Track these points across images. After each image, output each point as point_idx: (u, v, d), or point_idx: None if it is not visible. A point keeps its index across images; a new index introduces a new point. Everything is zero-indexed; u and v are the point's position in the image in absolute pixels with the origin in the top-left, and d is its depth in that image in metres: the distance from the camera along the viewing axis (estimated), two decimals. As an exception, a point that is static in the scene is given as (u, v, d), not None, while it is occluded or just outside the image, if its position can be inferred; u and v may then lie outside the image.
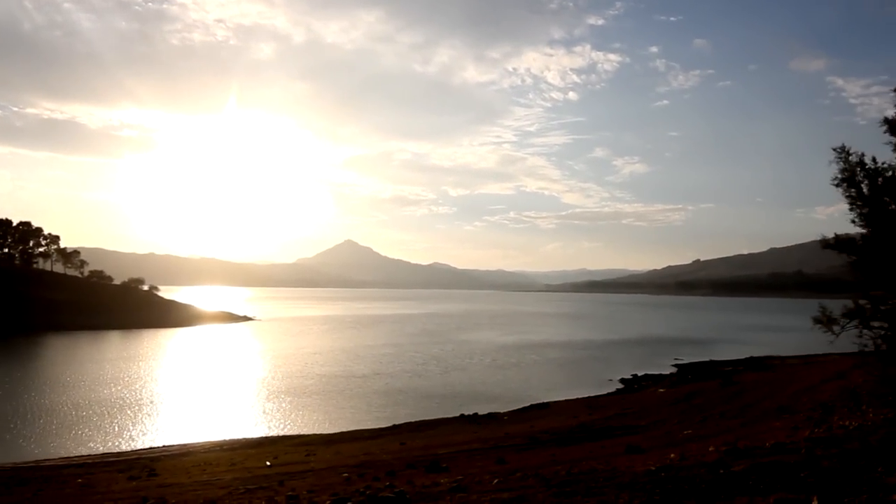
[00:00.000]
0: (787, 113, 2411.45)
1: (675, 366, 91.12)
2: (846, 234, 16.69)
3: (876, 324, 15.70)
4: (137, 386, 74.06)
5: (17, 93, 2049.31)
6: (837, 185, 15.92)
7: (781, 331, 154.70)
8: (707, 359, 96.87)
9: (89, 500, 22.62)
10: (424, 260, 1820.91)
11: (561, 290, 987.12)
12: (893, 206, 15.50)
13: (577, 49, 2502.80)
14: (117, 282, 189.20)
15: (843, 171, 15.84)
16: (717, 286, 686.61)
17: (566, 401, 61.95)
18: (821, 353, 68.94)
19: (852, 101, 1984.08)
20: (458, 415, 55.05)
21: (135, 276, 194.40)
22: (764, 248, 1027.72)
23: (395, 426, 50.10)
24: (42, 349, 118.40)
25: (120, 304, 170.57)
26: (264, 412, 61.23)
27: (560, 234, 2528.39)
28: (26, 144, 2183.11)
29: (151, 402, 64.64)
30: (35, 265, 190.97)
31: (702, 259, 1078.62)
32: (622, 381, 78.32)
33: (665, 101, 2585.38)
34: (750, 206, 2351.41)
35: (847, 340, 16.60)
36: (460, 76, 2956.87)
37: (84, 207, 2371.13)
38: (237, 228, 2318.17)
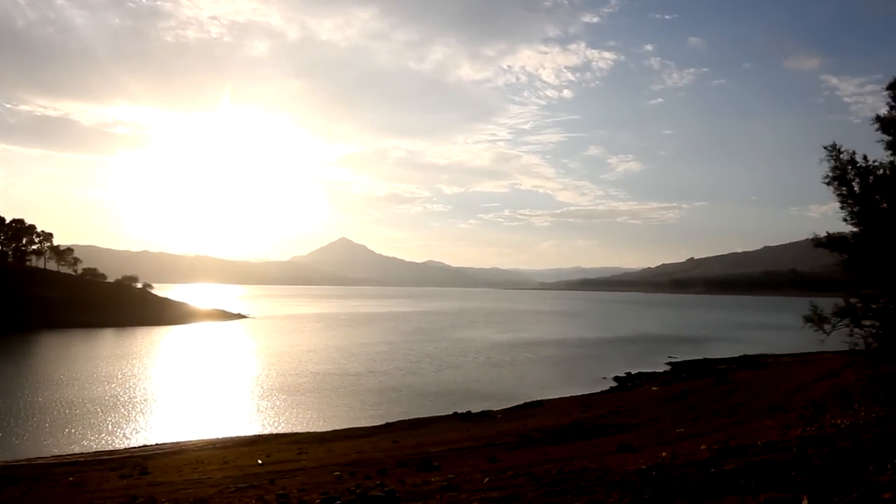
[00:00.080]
0: (782, 111, 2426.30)
1: (669, 364, 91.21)
2: (838, 233, 16.66)
3: (867, 322, 15.68)
4: (131, 384, 73.82)
5: (10, 89, 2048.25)
6: (828, 184, 15.89)
7: (775, 329, 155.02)
8: (701, 357, 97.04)
9: (79, 499, 22.49)
10: (419, 258, 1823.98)
11: (555, 288, 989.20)
12: (885, 205, 15.49)
13: (572, 47, 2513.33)
14: (111, 279, 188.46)
15: (834, 169, 15.81)
16: (711, 284, 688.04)
17: (560, 399, 62.01)
18: (814, 351, 69.03)
19: (846, 99, 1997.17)
20: (451, 413, 55.08)
21: (128, 273, 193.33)
22: (758, 247, 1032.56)
23: (388, 424, 50.11)
24: (35, 347, 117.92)
25: (113, 301, 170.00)
26: (258, 410, 61.09)
27: (554, 232, 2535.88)
28: (19, 141, 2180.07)
29: (145, 400, 64.44)
30: (28, 263, 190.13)
31: (696, 257, 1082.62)
32: (616, 379, 78.36)
33: (660, 100, 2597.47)
34: (744, 204, 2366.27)
35: (840, 339, 16.59)
36: (455, 74, 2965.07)
37: (77, 205, 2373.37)
38: (231, 226, 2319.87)
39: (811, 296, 25.59)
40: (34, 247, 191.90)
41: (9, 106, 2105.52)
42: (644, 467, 14.89)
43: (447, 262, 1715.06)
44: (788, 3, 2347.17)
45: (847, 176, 15.74)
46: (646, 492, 11.85)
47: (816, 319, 16.28)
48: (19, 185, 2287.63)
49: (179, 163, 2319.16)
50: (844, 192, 15.80)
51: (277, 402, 64.08)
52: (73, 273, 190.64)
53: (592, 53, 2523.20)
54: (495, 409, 57.31)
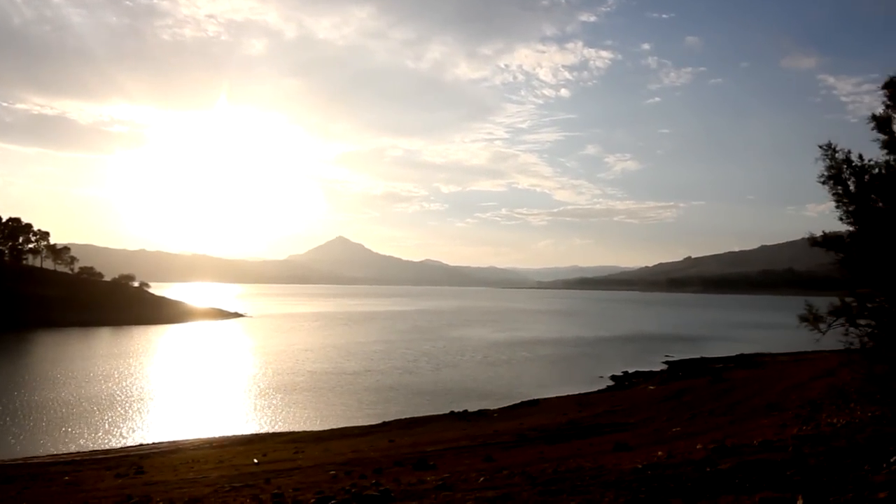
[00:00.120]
0: (779, 111, 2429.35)
1: (666, 363, 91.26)
2: (834, 232, 16.64)
3: (863, 322, 15.66)
4: (128, 383, 73.71)
5: (6, 88, 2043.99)
6: (824, 183, 15.88)
7: (772, 328, 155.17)
8: (698, 356, 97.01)
9: (74, 498, 22.44)
10: (416, 257, 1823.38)
11: (552, 286, 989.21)
12: (880, 204, 15.48)
13: (570, 46, 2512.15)
14: (108, 278, 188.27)
15: (829, 168, 15.79)
16: (708, 283, 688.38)
17: (556, 398, 62.03)
18: (811, 350, 69.05)
19: (843, 98, 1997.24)
20: (448, 412, 55.11)
21: (125, 272, 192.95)
22: (755, 246, 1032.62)
23: (384, 423, 50.12)
24: (32, 346, 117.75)
25: (110, 300, 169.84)
26: (255, 409, 61.02)
27: (552, 231, 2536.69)
28: (16, 140, 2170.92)
29: (141, 399, 64.34)
30: (25, 262, 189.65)
31: (693, 256, 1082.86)
32: (613, 378, 78.33)
33: (657, 99, 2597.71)
34: (741, 203, 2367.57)
35: (837, 338, 16.58)
36: (452, 73, 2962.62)
37: (74, 203, 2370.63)
38: (228, 225, 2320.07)
39: (808, 295, 25.56)
40: (31, 245, 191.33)
41: (5, 104, 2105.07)
42: (640, 466, 14.89)
43: (444, 261, 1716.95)
44: (785, 3, 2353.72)
45: (842, 175, 15.73)
46: (641, 491, 11.84)
47: (812, 319, 16.25)
48: (16, 184, 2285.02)
49: (176, 161, 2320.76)
50: (840, 192, 15.79)
51: (274, 401, 64.01)
52: (70, 272, 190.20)
53: (590, 52, 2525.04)
54: (492, 408, 57.35)
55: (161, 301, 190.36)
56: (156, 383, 74.78)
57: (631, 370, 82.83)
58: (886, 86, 16.06)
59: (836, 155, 15.72)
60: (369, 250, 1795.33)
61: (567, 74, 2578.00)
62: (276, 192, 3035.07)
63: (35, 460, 39.06)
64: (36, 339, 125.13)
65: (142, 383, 74.10)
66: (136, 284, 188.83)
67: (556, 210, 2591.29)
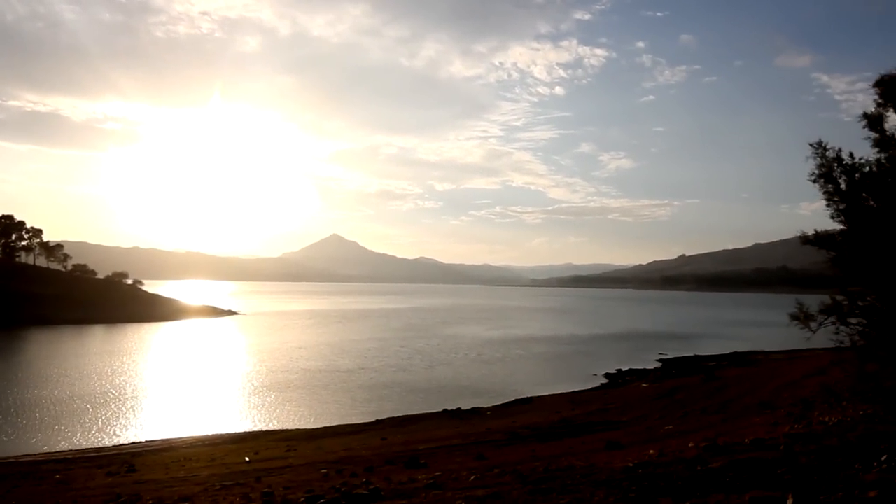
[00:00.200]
0: (773, 109, 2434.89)
1: (660, 360, 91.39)
2: (826, 230, 16.63)
3: (854, 320, 15.66)
4: (121, 381, 73.47)
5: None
6: (815, 181, 15.86)
7: (765, 326, 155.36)
8: (691, 354, 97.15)
9: (63, 497, 22.34)
10: (410, 254, 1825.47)
11: (546, 284, 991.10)
12: (871, 202, 15.46)
13: (564, 44, 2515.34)
14: (101, 276, 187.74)
15: (819, 166, 15.78)
16: (702, 281, 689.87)
17: (549, 396, 62.03)
18: (804, 348, 69.11)
19: (837, 97, 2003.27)
20: (441, 410, 55.08)
21: (119, 269, 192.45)
22: (749, 244, 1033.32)
23: (377, 421, 50.07)
24: (25, 343, 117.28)
25: (104, 298, 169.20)
26: (248, 407, 60.85)
27: (546, 228, 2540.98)
28: (8, 137, 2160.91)
29: (135, 397, 64.13)
30: (18, 259, 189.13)
31: (687, 254, 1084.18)
32: (606, 375, 78.32)
33: (651, 97, 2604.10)
34: (735, 201, 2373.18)
35: (830, 336, 16.57)
36: (447, 70, 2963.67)
37: (67, 201, 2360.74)
38: (222, 222, 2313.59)
39: (802, 293, 25.62)
40: (23, 243, 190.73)
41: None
42: (631, 465, 14.87)
43: (439, 259, 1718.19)
44: (780, 1, 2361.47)
45: (833, 173, 15.71)
46: (631, 490, 11.82)
47: (802, 317, 16.24)
48: (8, 181, 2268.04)
49: (170, 159, 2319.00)
50: (830, 190, 15.78)
51: (267, 399, 63.86)
52: (63, 269, 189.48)
53: (584, 50, 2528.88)
54: (485, 406, 57.35)
55: (155, 299, 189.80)
56: (149, 381, 74.52)
57: (624, 368, 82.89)
58: (878, 84, 16.05)
59: (827, 153, 15.71)
60: (363, 248, 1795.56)
61: (561, 72, 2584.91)
62: (270, 189, 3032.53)
63: (27, 458, 38.98)
64: (29, 337, 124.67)
65: (135, 381, 73.85)
66: (129, 282, 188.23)
67: (550, 208, 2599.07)
